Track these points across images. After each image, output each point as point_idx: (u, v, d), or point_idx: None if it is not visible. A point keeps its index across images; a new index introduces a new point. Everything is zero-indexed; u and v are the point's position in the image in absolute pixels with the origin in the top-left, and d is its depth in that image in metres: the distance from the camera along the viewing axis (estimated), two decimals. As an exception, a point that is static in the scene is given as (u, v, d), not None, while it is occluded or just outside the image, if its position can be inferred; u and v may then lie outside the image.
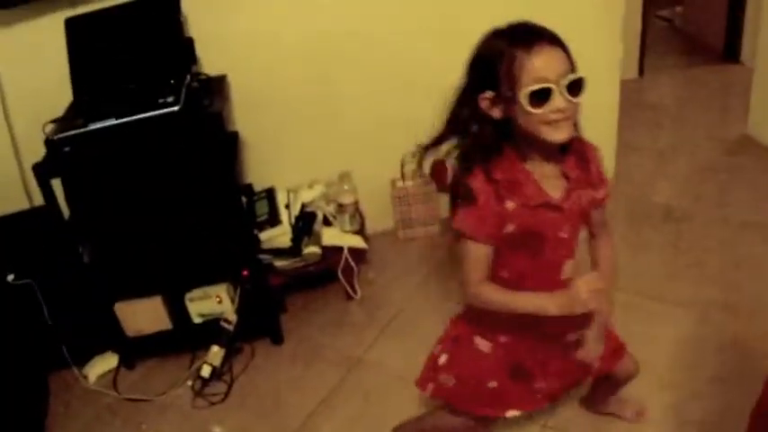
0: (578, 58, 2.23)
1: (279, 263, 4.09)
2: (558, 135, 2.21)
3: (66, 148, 3.37)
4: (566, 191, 2.38)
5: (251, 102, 4.25)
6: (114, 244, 3.79)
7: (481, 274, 2.43)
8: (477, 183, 2.31)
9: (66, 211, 3.64)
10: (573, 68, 2.19)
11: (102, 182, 3.60)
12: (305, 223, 4.16)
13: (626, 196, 4.79)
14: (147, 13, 3.77)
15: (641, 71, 6.85)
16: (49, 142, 3.38)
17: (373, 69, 4.35)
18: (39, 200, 3.62)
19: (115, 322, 3.86)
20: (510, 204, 2.31)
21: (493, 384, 2.70)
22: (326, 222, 4.31)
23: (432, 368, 2.84)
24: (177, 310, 3.96)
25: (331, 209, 4.34)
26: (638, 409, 3.22)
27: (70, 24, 3.72)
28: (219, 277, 3.94)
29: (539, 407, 2.89)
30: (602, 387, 3.12)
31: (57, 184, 3.52)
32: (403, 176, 4.62)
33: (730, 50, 6.85)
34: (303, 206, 4.26)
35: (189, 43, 3.79)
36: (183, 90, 3.49)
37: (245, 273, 3.87)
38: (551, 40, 2.18)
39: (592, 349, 2.58)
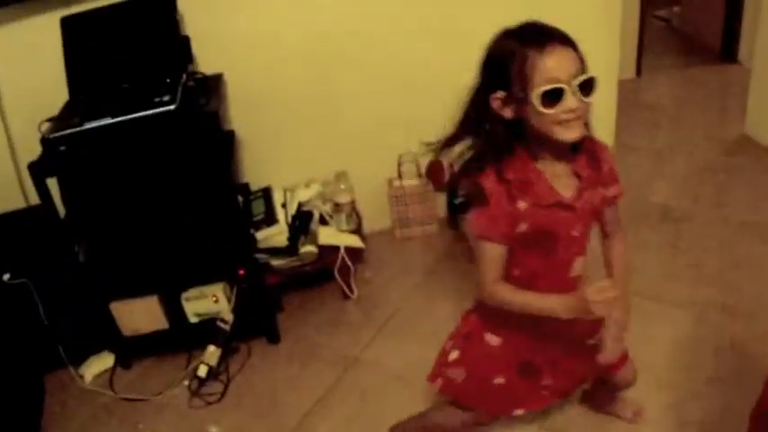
0: (577, 57, 2.23)
1: (275, 262, 4.08)
2: (570, 134, 2.21)
3: (62, 147, 3.36)
4: (577, 190, 2.38)
5: (248, 101, 4.24)
6: (110, 243, 3.77)
7: (496, 274, 2.44)
8: (489, 183, 2.31)
9: (62, 210, 3.62)
10: (584, 68, 2.19)
11: (97, 181, 3.59)
12: (301, 222, 4.15)
13: (624, 196, 4.77)
14: (143, 12, 3.76)
15: (639, 71, 6.85)
16: (44, 141, 3.36)
17: (371, 69, 4.35)
18: (35, 199, 3.60)
19: (111, 322, 3.85)
20: (522, 204, 2.32)
21: (500, 380, 2.71)
22: (323, 222, 4.30)
23: (443, 363, 2.84)
24: (173, 310, 3.94)
25: (328, 208, 4.33)
26: (637, 409, 3.22)
27: (66, 23, 3.70)
28: (216, 276, 3.93)
29: (543, 406, 2.92)
30: (601, 389, 3.14)
31: (53, 183, 3.51)
32: (400, 176, 4.61)
33: (727, 51, 6.85)
34: (300, 205, 4.25)
35: (185, 42, 3.79)
36: (179, 89, 3.48)
37: (242, 272, 3.86)
38: (562, 40, 2.18)
39: (610, 351, 2.59)
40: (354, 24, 4.21)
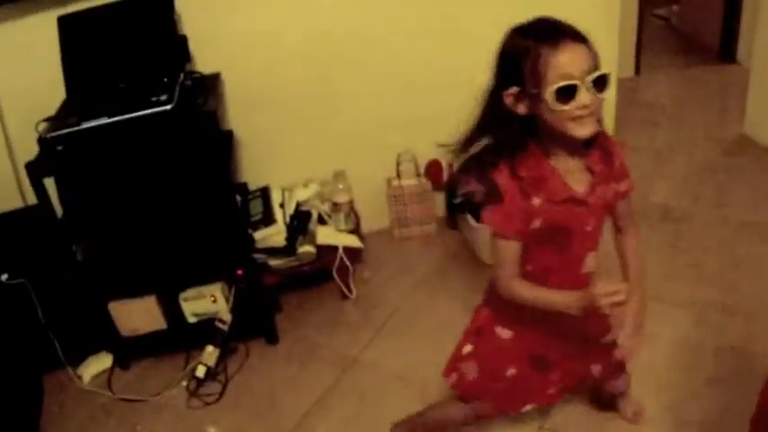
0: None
1: (273, 262, 4.07)
2: (584, 130, 2.21)
3: (59, 147, 3.35)
4: (590, 185, 2.38)
5: (246, 100, 4.23)
6: (108, 243, 3.78)
7: (511, 270, 2.44)
8: (503, 180, 2.30)
9: (59, 210, 3.61)
10: (597, 64, 2.18)
11: (95, 181, 3.59)
12: (300, 222, 4.14)
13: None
14: (140, 11, 3.76)
15: (638, 70, 6.84)
16: (41, 141, 3.35)
17: (368, 68, 4.34)
18: (32, 198, 3.59)
19: (109, 322, 3.84)
20: (536, 200, 2.32)
21: (512, 372, 2.73)
22: (321, 221, 4.29)
23: (457, 358, 2.86)
24: (172, 310, 3.94)
25: (326, 208, 4.32)
26: (638, 409, 3.22)
27: (63, 22, 3.70)
28: (214, 277, 3.93)
29: (552, 401, 2.96)
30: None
31: (50, 183, 3.50)
32: (399, 175, 4.60)
33: (726, 50, 6.84)
34: (298, 205, 4.25)
35: (183, 41, 3.78)
36: (177, 89, 3.47)
37: (240, 272, 3.85)
38: (575, 36, 2.17)
39: (627, 347, 2.60)
40: (352, 24, 4.20)
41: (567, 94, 2.13)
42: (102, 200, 3.62)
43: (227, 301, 3.90)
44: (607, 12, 4.42)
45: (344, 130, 4.47)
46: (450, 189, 4.57)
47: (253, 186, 4.36)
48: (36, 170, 3.40)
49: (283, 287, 4.23)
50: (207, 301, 3.89)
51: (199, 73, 3.84)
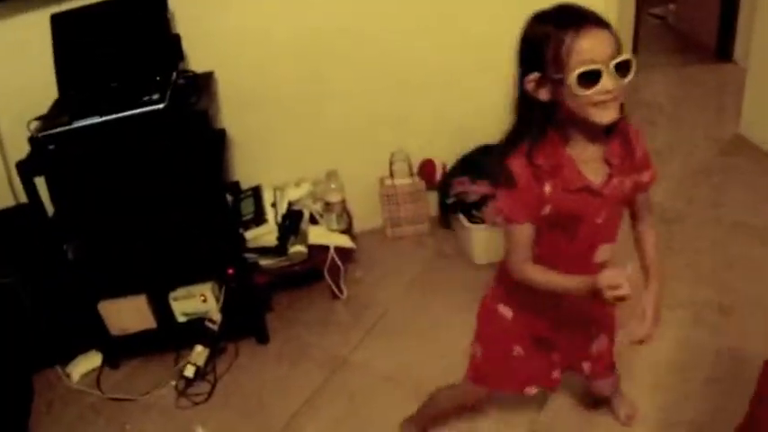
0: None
1: (264, 262, 4.07)
2: (606, 116, 2.18)
3: (51, 146, 3.35)
4: (607, 176, 2.36)
5: (239, 99, 4.22)
6: (99, 242, 3.77)
7: (523, 254, 2.44)
8: (517, 166, 2.29)
9: (50, 209, 3.61)
10: (620, 49, 2.16)
11: (86, 180, 3.58)
12: (291, 222, 4.14)
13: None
14: (133, 10, 3.75)
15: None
16: (32, 140, 3.35)
17: (362, 67, 4.33)
18: (24, 197, 3.58)
19: (99, 321, 3.84)
20: (547, 188, 2.31)
21: (518, 350, 2.76)
22: (313, 221, 4.29)
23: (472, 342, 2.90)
24: (161, 309, 3.93)
25: (318, 207, 4.32)
26: (630, 410, 3.24)
27: (56, 20, 3.69)
28: (204, 276, 3.93)
29: (553, 386, 2.94)
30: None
31: (42, 182, 3.50)
32: (392, 174, 4.59)
33: (723, 50, 6.83)
34: (290, 204, 4.24)
35: (176, 40, 3.77)
36: (169, 88, 3.47)
37: (231, 271, 3.84)
38: (598, 21, 2.14)
39: (639, 331, 2.58)
40: (346, 22, 4.19)
41: (589, 78, 2.11)
42: (94, 199, 3.62)
43: (217, 300, 3.90)
44: (604, 10, 4.41)
45: (337, 128, 4.47)
46: (443, 189, 4.55)
47: (245, 185, 4.35)
48: (27, 169, 3.39)
49: (274, 287, 4.23)
50: (197, 301, 3.88)
51: (191, 72, 3.83)
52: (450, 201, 4.45)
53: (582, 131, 2.29)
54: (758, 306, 3.74)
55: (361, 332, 4.00)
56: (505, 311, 2.73)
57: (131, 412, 3.70)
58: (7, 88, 3.86)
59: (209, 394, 3.72)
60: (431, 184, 4.63)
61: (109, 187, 3.57)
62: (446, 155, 4.58)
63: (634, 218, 2.65)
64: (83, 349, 4.03)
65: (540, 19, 2.22)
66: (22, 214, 3.76)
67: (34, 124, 3.40)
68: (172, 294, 3.91)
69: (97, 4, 3.74)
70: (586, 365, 2.89)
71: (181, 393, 3.74)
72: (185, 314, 3.93)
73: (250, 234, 4.00)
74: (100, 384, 3.88)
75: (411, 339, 3.87)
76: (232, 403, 3.67)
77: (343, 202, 4.33)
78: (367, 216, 4.70)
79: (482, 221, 4.23)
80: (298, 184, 4.36)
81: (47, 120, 3.44)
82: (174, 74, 3.62)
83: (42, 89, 3.64)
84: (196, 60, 3.96)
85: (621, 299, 2.18)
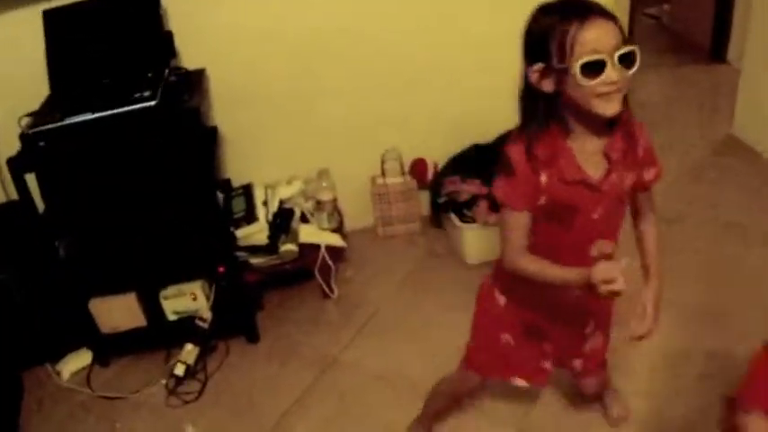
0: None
1: (255, 260, 4.06)
2: (610, 108, 2.16)
3: (42, 143, 3.34)
4: (605, 171, 2.34)
5: (231, 96, 4.21)
6: (89, 240, 3.77)
7: (519, 243, 2.42)
8: (515, 153, 2.28)
9: (41, 206, 3.60)
10: (624, 41, 2.14)
11: (77, 177, 3.58)
12: (282, 220, 4.13)
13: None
14: (126, 6, 3.76)
15: (629, 69, 6.81)
16: (23, 137, 3.34)
17: (355, 66, 4.33)
18: (15, 194, 3.57)
19: (90, 319, 3.83)
20: (543, 178, 2.29)
21: (507, 338, 2.76)
22: (304, 220, 4.28)
23: None
24: (152, 308, 3.93)
25: (309, 206, 4.32)
26: (622, 412, 3.25)
27: (48, 16, 3.69)
28: (195, 274, 3.92)
29: (541, 380, 2.91)
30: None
31: (33, 178, 3.50)
32: (383, 173, 4.59)
33: (717, 50, 6.83)
34: (281, 203, 4.24)
35: (168, 37, 3.76)
36: (161, 84, 3.47)
37: (221, 270, 3.83)
38: (602, 13, 2.13)
39: (640, 334, 2.59)
40: (340, 20, 4.18)
41: (594, 69, 2.09)
42: (84, 196, 3.61)
43: (207, 299, 3.89)
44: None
45: (329, 127, 4.46)
46: (434, 188, 4.55)
47: (237, 183, 4.34)
48: (18, 166, 3.39)
49: (265, 285, 4.22)
50: (187, 299, 3.88)
51: (183, 69, 3.83)
52: (441, 200, 4.44)
53: (584, 124, 2.28)
54: (751, 306, 3.74)
55: (351, 331, 3.99)
56: (500, 298, 2.72)
57: (121, 410, 3.70)
58: (-1, 84, 3.86)
59: (200, 393, 3.72)
60: (422, 184, 4.63)
61: (100, 184, 3.56)
62: (438, 154, 4.58)
63: (636, 215, 2.64)
64: (73, 347, 4.02)
65: (544, 10, 2.20)
66: (13, 211, 3.74)
67: (25, 120, 3.39)
68: (162, 292, 3.90)
69: (89, 0, 3.73)
70: (578, 362, 2.88)
71: (171, 392, 3.73)
72: (176, 312, 3.93)
73: (241, 232, 4.00)
74: (90, 382, 3.87)
75: (402, 338, 3.86)
76: (222, 402, 3.67)
77: (335, 200, 4.33)
78: (358, 215, 4.70)
79: (473, 221, 4.22)
80: (289, 183, 4.35)
81: (38, 116, 3.43)
82: (166, 71, 3.62)
83: (34, 85, 3.64)
84: (188, 57, 3.95)
85: (616, 294, 2.17)
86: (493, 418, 3.32)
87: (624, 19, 6.26)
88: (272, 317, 4.16)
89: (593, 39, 2.08)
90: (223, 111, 4.24)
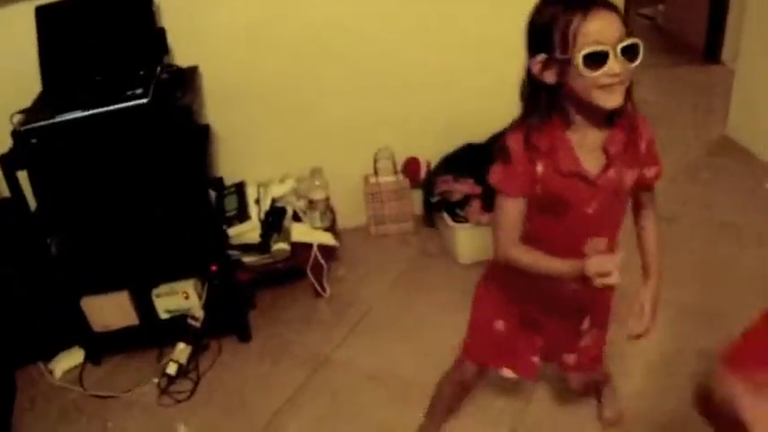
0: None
1: (247, 259, 4.06)
2: (612, 101, 2.16)
3: (34, 140, 3.33)
4: (602, 167, 2.33)
5: (225, 94, 4.21)
6: (81, 238, 3.77)
7: (510, 233, 2.41)
8: (513, 141, 2.28)
9: (33, 204, 3.59)
10: (628, 33, 2.13)
11: (69, 175, 3.57)
12: (274, 219, 4.13)
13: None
14: (118, 3, 3.75)
15: (623, 68, 6.81)
16: (15, 134, 3.33)
17: (350, 65, 4.33)
18: (6, 191, 3.56)
19: (82, 317, 3.82)
20: (540, 167, 2.29)
21: (500, 325, 2.76)
22: (297, 218, 4.28)
23: None
24: (144, 306, 3.92)
25: (301, 205, 4.31)
26: (615, 415, 3.26)
27: (41, 13, 3.68)
28: (187, 273, 3.91)
29: (529, 373, 2.89)
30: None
31: (24, 176, 3.49)
32: (376, 172, 4.59)
33: (711, 51, 6.84)
34: (273, 201, 4.23)
35: (160, 34, 3.75)
36: (153, 82, 3.46)
37: (214, 268, 3.83)
38: (606, 4, 2.12)
39: (638, 332, 2.60)
40: (334, 19, 4.19)
41: (596, 60, 2.09)
42: (76, 194, 3.60)
43: (199, 297, 3.89)
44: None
45: (323, 125, 4.46)
46: (427, 187, 4.55)
47: (229, 181, 4.33)
48: (9, 163, 3.37)
49: (257, 284, 4.21)
50: (179, 298, 3.87)
51: (176, 66, 3.82)
52: (434, 199, 4.44)
53: (585, 116, 2.27)
54: (745, 306, 3.71)
55: (344, 330, 3.99)
56: (497, 285, 2.73)
57: (113, 409, 3.69)
58: (-9, 80, 3.85)
59: (192, 392, 3.71)
60: (415, 183, 4.62)
61: (92, 182, 3.55)
62: (431, 153, 4.58)
63: (637, 213, 2.64)
64: (65, 345, 4.01)
65: (548, 2, 2.20)
66: (4, 209, 3.72)
67: (17, 118, 3.38)
68: (154, 291, 3.90)
69: (82, -4, 3.74)
70: (572, 357, 2.87)
71: (163, 391, 3.72)
72: (168, 311, 3.92)
73: (233, 231, 3.99)
74: (82, 381, 3.86)
75: (394, 338, 3.86)
76: (214, 401, 3.66)
77: (327, 199, 4.32)
78: (351, 214, 4.70)
79: (466, 221, 4.22)
80: (282, 181, 4.35)
81: (30, 113, 3.42)
82: (159, 68, 3.61)
83: (26, 82, 3.63)
84: (181, 54, 3.95)
85: (610, 287, 2.18)
86: (486, 417, 3.31)
87: (619, 19, 6.26)
88: (265, 316, 4.16)
89: (597, 30, 2.07)
90: (216, 109, 4.23)
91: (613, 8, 2.12)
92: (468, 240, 4.24)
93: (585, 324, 2.77)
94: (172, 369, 3.70)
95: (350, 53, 4.28)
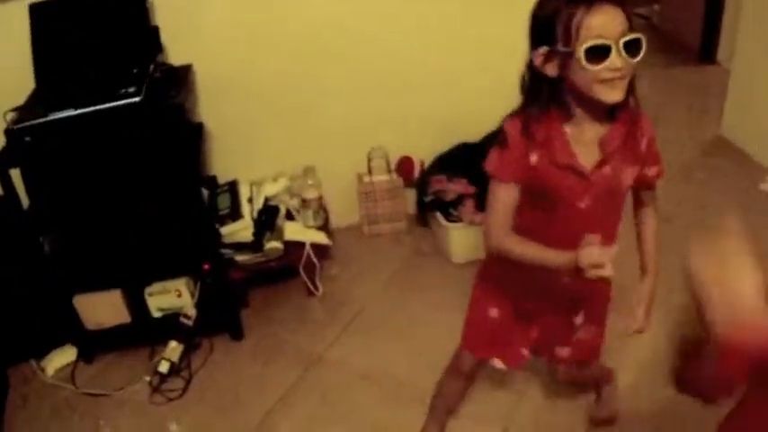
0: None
1: (240, 257, 4.06)
2: (613, 95, 2.15)
3: (27, 138, 3.33)
4: (598, 162, 2.32)
5: (218, 93, 4.20)
6: (74, 236, 3.76)
7: (502, 220, 2.40)
8: (510, 127, 2.29)
9: (26, 202, 3.59)
10: (631, 28, 2.13)
11: (62, 173, 3.57)
12: (267, 218, 4.12)
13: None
14: (112, 1, 3.75)
15: (618, 68, 6.80)
16: (8, 132, 3.33)
17: (344, 64, 4.33)
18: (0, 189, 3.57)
19: (74, 315, 3.82)
20: (534, 157, 2.29)
21: (494, 313, 2.75)
22: (290, 217, 4.27)
23: None
24: (136, 304, 3.92)
25: (295, 203, 4.30)
26: (612, 414, 3.26)
27: (34, 10, 3.67)
28: (179, 271, 3.91)
29: (517, 364, 2.89)
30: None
31: (17, 174, 3.48)
32: (370, 171, 4.58)
33: (707, 51, 6.83)
34: (266, 200, 4.23)
35: (154, 32, 3.75)
36: (146, 80, 3.45)
37: (206, 267, 3.83)
38: None
39: (634, 330, 2.62)
40: (328, 17, 4.18)
41: (598, 54, 2.09)
42: (69, 192, 3.60)
43: (192, 296, 3.89)
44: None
45: (316, 124, 4.46)
46: (421, 186, 4.54)
47: (222, 180, 4.33)
48: (2, 161, 3.38)
49: (250, 283, 4.22)
50: (172, 296, 3.88)
51: (169, 64, 3.82)
52: (427, 199, 4.43)
53: (585, 110, 2.27)
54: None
55: (336, 329, 3.99)
56: (492, 279, 2.73)
57: (105, 407, 3.69)
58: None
59: (184, 390, 3.71)
60: (408, 182, 4.62)
61: (85, 180, 3.56)
62: (424, 152, 4.58)
63: (636, 211, 2.66)
64: (58, 343, 4.00)
65: None
66: (-1, 206, 3.73)
67: (10, 115, 3.38)
68: (147, 289, 3.90)
69: (76, -6, 3.73)
70: (565, 350, 2.85)
71: (155, 389, 3.72)
72: (160, 309, 3.92)
73: (226, 229, 3.98)
74: (74, 379, 3.86)
75: (387, 337, 3.86)
76: (207, 399, 3.66)
77: (320, 198, 4.32)
78: (344, 213, 4.70)
79: (459, 220, 4.22)
80: (275, 180, 4.34)
81: (23, 111, 3.42)
82: (152, 66, 3.61)
83: (19, 80, 3.62)
84: (175, 52, 3.94)
85: (604, 279, 2.17)
86: (478, 416, 3.31)
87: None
88: (257, 314, 4.15)
89: (600, 24, 2.07)
90: (209, 107, 4.22)
91: (618, 2, 2.11)
92: (462, 240, 4.24)
93: (580, 318, 2.76)
94: (164, 367, 3.71)
95: (345, 52, 4.28)
